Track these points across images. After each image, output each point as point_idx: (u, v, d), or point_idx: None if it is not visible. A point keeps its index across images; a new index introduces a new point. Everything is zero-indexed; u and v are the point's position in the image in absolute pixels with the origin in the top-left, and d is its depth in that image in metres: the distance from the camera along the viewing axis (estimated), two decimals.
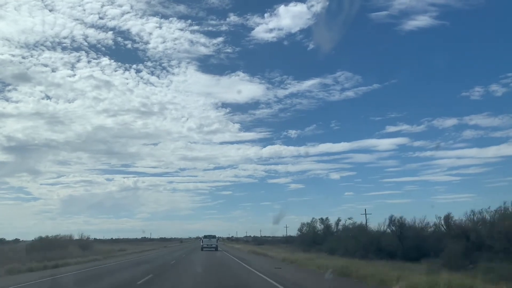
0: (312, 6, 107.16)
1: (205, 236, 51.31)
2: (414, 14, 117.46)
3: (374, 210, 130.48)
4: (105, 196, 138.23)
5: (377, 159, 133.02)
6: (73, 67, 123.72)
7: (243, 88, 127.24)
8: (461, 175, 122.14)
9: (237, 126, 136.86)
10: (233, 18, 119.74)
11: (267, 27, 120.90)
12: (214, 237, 51.05)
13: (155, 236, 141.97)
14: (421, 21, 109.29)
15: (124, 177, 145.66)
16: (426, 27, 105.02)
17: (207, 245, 48.79)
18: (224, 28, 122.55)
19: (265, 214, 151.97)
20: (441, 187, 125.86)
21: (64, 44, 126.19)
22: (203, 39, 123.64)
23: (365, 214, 55.00)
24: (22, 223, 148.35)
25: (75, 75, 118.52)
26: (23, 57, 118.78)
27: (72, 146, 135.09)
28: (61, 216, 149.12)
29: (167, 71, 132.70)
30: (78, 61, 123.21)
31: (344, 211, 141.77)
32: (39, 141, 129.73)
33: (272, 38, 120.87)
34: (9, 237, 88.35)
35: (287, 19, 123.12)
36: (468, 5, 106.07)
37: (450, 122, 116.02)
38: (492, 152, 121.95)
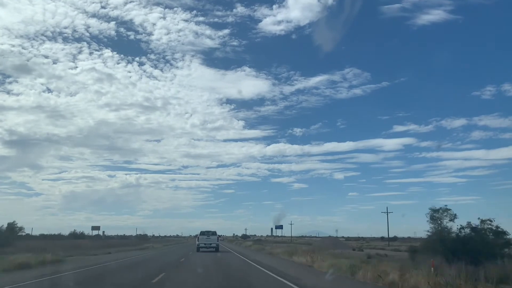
0: None
1: (202, 233, 39.77)
2: (428, 7, 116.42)
3: (376, 211, 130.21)
4: (107, 192, 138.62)
5: (382, 160, 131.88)
6: (74, 58, 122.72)
7: (249, 83, 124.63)
8: (467, 177, 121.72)
9: (242, 123, 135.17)
10: (240, 9, 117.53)
11: (275, 19, 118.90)
12: (214, 233, 39.88)
13: (156, 233, 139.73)
14: (435, 15, 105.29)
15: (126, 174, 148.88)
16: (439, 22, 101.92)
17: (205, 244, 38.68)
18: (230, 19, 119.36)
19: (268, 213, 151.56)
20: (445, 189, 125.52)
21: (65, 35, 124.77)
22: (208, 31, 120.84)
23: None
24: (24, 218, 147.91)
25: (76, 67, 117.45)
26: (23, 48, 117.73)
27: (74, 141, 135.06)
28: (63, 212, 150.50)
29: (171, 64, 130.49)
30: (80, 52, 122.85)
31: (347, 211, 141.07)
32: (40, 136, 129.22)
33: (280, 31, 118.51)
34: None
35: (296, 11, 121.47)
36: None
37: (459, 122, 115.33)
38: (500, 154, 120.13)
